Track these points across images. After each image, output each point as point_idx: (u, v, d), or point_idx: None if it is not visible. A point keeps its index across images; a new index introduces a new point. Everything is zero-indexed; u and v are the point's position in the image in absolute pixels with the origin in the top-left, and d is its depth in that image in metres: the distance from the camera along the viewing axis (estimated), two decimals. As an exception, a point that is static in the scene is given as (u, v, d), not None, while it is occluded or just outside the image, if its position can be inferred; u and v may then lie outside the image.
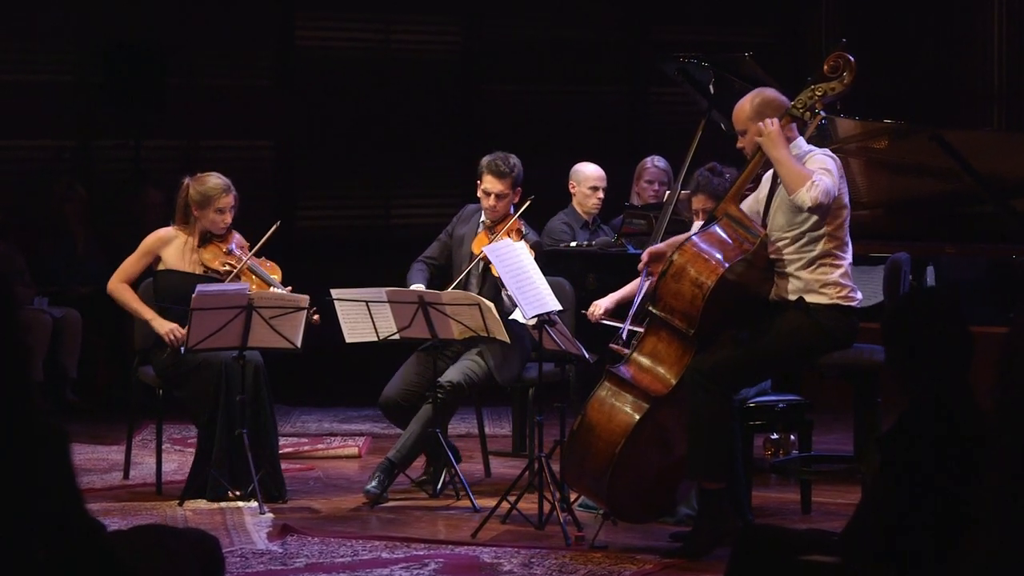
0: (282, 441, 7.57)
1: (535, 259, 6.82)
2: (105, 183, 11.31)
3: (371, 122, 12.11)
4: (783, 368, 6.69)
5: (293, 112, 11.99)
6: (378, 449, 8.14)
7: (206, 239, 7.39)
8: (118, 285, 7.40)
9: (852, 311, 6.28)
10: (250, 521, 6.72)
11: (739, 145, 6.38)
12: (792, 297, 6.24)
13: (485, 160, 7.44)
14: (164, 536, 3.80)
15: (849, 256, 6.29)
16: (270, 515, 6.82)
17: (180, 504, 7.05)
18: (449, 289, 7.21)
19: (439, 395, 7.12)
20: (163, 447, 7.55)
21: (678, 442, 6.19)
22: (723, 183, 6.69)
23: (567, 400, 7.12)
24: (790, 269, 6.25)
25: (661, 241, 8.20)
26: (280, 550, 6.21)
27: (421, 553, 6.19)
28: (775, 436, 7.90)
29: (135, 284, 7.45)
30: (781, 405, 6.78)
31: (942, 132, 7.87)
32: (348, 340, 7.20)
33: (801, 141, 6.29)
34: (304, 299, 7.06)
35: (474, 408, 8.04)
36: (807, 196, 5.99)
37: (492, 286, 7.26)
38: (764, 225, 6.31)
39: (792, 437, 7.67)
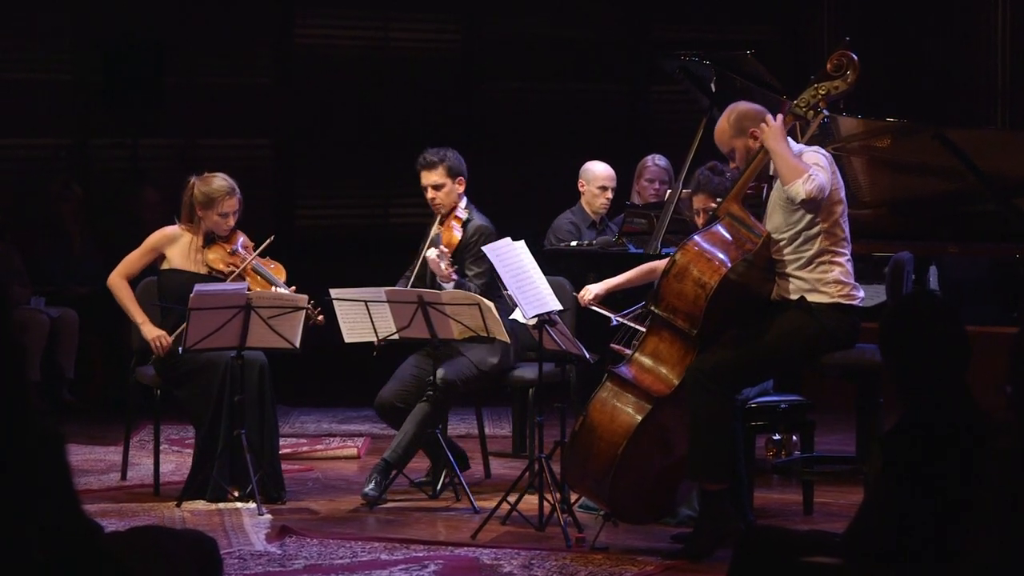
0: (281, 441, 7.55)
1: (487, 240, 6.99)
2: (103, 182, 11.28)
3: (371, 121, 12.09)
4: (785, 368, 6.67)
5: (292, 111, 11.97)
6: (377, 450, 8.11)
7: (211, 239, 7.36)
8: (118, 280, 7.37)
9: (853, 310, 6.26)
10: (248, 522, 6.69)
11: (732, 166, 6.37)
12: (793, 296, 6.22)
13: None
14: (162, 537, 3.78)
15: (848, 253, 6.26)
16: (268, 516, 6.80)
17: (178, 505, 7.03)
18: (407, 273, 7.26)
19: (432, 393, 7.10)
20: (161, 448, 7.53)
21: (680, 443, 6.16)
22: (724, 182, 6.67)
23: (567, 400, 7.10)
24: (790, 269, 6.23)
25: (661, 241, 8.22)
26: (279, 551, 6.18)
27: (420, 554, 6.16)
28: (777, 437, 7.89)
29: (135, 281, 7.42)
30: (783, 405, 6.77)
31: (945, 131, 7.85)
32: (347, 340, 7.19)
33: (792, 142, 6.27)
34: (302, 299, 7.04)
35: (474, 409, 8.02)
36: (802, 188, 5.97)
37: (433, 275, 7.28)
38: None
39: (794, 438, 7.65)
